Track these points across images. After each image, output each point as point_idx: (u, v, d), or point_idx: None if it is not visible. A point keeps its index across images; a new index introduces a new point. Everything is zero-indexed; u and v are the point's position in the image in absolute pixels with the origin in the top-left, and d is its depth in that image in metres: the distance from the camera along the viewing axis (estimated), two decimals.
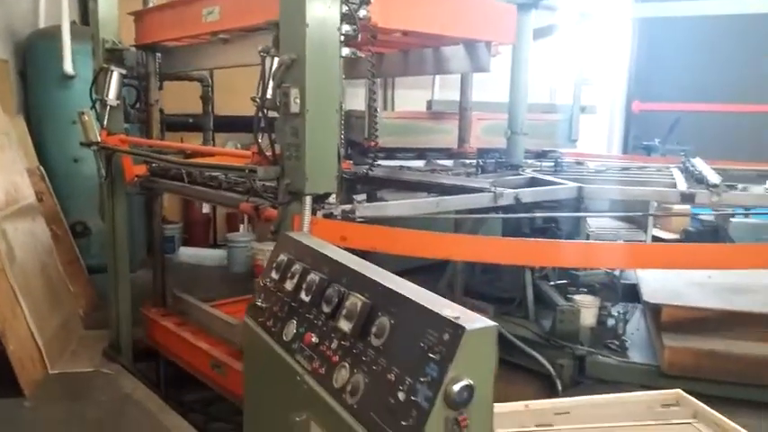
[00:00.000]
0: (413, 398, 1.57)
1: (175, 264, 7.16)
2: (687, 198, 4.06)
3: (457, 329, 1.55)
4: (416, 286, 1.86)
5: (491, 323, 1.60)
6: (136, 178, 4.31)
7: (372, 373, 1.74)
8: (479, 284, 5.74)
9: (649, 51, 11.40)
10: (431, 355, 1.57)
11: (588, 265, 4.81)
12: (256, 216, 3.13)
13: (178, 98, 6.80)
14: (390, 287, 1.85)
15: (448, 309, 1.64)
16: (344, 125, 6.79)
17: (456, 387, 1.51)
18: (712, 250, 4.15)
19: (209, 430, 4.16)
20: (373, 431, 1.66)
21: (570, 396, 3.08)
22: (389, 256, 3.57)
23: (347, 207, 3.05)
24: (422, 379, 1.57)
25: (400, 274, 1.98)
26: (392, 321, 1.77)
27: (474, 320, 1.58)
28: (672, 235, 7.62)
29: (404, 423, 1.57)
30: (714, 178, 4.21)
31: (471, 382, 1.53)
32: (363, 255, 2.51)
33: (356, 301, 1.90)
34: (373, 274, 1.97)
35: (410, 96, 8.77)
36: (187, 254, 7.53)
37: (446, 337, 1.56)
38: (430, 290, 1.80)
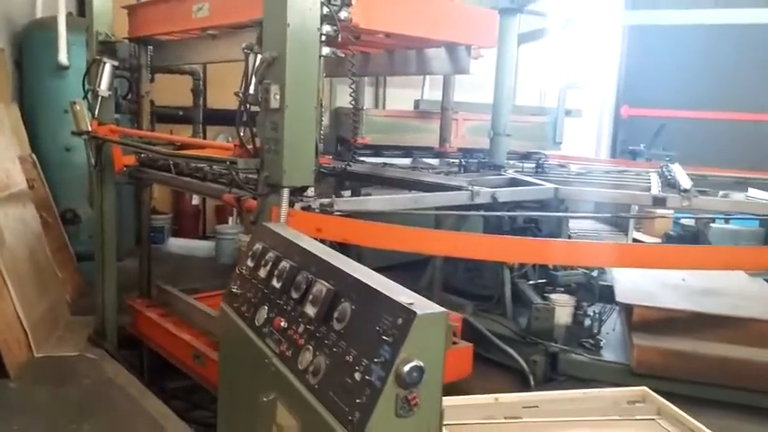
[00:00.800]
0: (367, 377, 1.68)
1: (164, 254, 7.24)
2: (658, 201, 4.19)
3: (409, 314, 1.66)
4: (378, 275, 1.98)
5: (441, 309, 1.71)
6: (125, 168, 4.41)
7: (333, 355, 1.86)
8: (460, 282, 5.87)
9: (639, 58, 11.53)
10: (385, 338, 1.69)
11: (564, 262, 4.93)
12: (238, 207, 3.24)
13: (171, 90, 6.90)
14: (354, 275, 1.96)
15: (403, 296, 1.76)
16: (334, 122, 6.93)
17: (406, 367, 1.62)
18: (686, 251, 4.28)
19: (191, 417, 4.25)
20: (331, 409, 1.77)
21: (542, 391, 3.18)
22: (376, 252, 3.68)
23: (325, 201, 3.16)
24: (376, 360, 1.68)
25: (385, 269, 2.09)
26: (353, 307, 1.88)
27: (426, 306, 1.69)
28: (653, 239, 7.78)
29: (358, 401, 1.68)
30: (686, 183, 4.34)
31: (421, 364, 1.64)
32: (344, 249, 2.62)
33: (322, 287, 2.01)
34: (339, 263, 2.09)
35: (401, 95, 8.88)
36: (176, 244, 7.62)
37: (399, 321, 1.68)
38: (412, 285, 1.90)
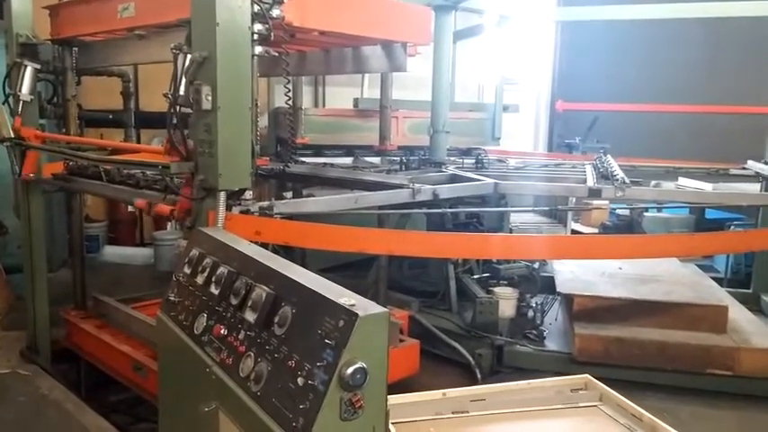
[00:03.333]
0: (310, 382, 1.65)
1: (100, 263, 7.01)
2: (594, 193, 4.29)
3: (351, 316, 1.63)
4: (319, 277, 1.94)
5: (383, 309, 1.69)
6: (51, 176, 4.22)
7: (275, 361, 1.81)
8: (406, 279, 5.88)
9: (572, 53, 11.83)
10: (327, 341, 1.66)
11: (503, 256, 5.01)
12: (171, 213, 3.13)
13: (101, 93, 6.66)
14: (294, 278, 1.92)
15: (344, 297, 1.73)
16: (273, 122, 6.81)
17: (349, 370, 1.60)
18: (621, 241, 4.40)
19: (134, 431, 4.11)
20: (275, 416, 1.73)
21: (488, 384, 3.22)
22: (320, 252, 3.62)
23: (264, 203, 3.10)
24: (318, 364, 1.65)
25: (331, 269, 2.05)
26: (294, 311, 1.84)
27: (368, 307, 1.67)
28: (591, 229, 8.00)
29: (302, 406, 1.65)
30: (619, 174, 4.46)
31: (364, 365, 1.62)
32: (288, 250, 2.56)
33: (261, 292, 1.96)
34: (279, 267, 2.04)
35: (341, 94, 8.82)
36: (112, 253, 7.37)
37: (341, 323, 1.65)
38: (358, 284, 1.87)
